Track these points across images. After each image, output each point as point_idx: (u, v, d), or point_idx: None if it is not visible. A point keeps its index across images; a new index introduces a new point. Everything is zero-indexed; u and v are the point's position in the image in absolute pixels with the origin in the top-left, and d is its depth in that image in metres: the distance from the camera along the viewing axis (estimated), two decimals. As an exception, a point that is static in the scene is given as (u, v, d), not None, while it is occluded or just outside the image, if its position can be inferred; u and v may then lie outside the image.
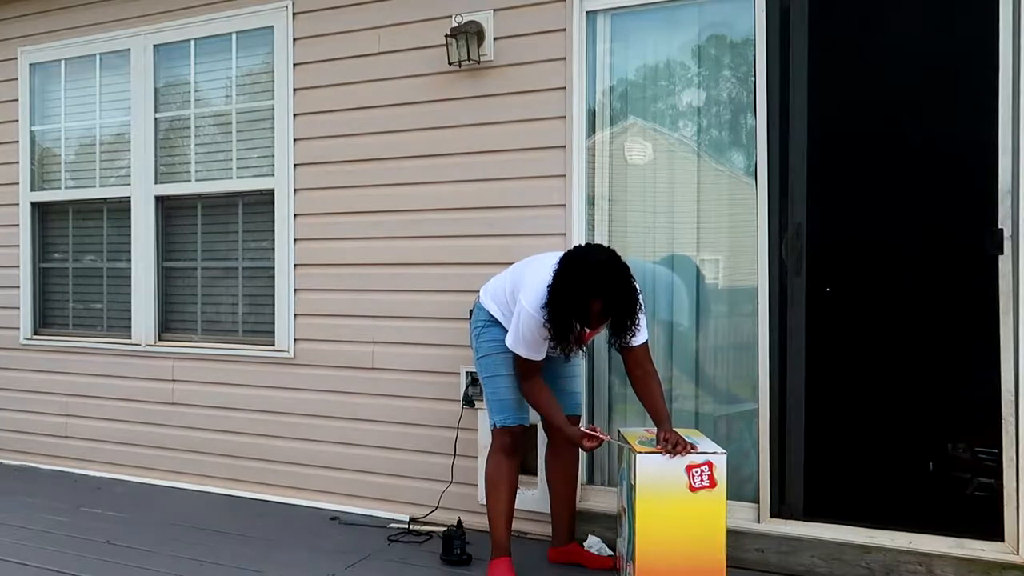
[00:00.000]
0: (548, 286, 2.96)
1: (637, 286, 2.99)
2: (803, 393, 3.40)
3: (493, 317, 3.30)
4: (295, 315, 4.42)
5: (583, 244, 3.18)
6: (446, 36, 3.90)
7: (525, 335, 3.07)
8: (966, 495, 3.20)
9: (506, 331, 3.21)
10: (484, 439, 3.84)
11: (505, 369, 3.26)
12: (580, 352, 3.20)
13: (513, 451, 3.33)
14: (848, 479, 3.22)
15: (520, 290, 3.12)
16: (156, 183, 4.86)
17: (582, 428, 3.16)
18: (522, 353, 3.12)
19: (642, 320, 3.08)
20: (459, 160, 3.99)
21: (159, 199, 4.86)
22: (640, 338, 3.14)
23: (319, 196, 4.36)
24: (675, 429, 3.11)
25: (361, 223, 4.23)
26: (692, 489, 2.94)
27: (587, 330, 3.05)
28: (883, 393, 3.29)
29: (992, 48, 3.11)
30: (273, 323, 4.50)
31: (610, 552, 3.53)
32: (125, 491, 4.70)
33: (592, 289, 2.87)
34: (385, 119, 4.16)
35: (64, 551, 3.70)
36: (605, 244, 3.79)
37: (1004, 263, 3.11)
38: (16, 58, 5.27)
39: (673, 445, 2.98)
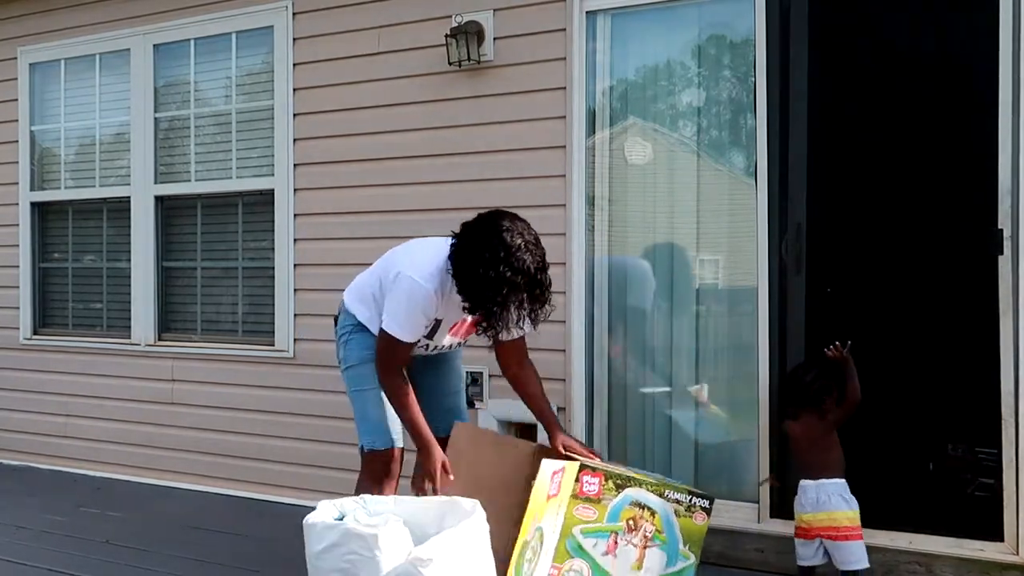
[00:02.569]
0: (464, 251, 2.60)
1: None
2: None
3: (360, 322, 2.91)
4: (295, 315, 4.41)
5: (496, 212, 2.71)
6: (446, 36, 3.90)
7: (406, 307, 2.66)
8: (966, 495, 3.20)
9: (375, 337, 2.81)
10: (484, 439, 3.85)
11: (374, 382, 2.81)
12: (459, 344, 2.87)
13: (384, 480, 2.84)
14: (848, 479, 3.21)
15: (396, 270, 2.73)
16: (156, 183, 4.85)
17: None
18: (395, 332, 2.68)
19: None
20: (459, 160, 3.99)
21: (159, 199, 4.86)
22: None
23: (319, 196, 4.36)
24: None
25: (361, 223, 4.23)
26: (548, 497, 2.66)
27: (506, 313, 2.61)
28: (883, 393, 3.28)
29: (992, 48, 3.10)
30: (273, 323, 4.49)
31: None
32: (125, 491, 4.70)
33: (539, 256, 2.57)
34: (385, 119, 4.16)
35: (64, 551, 3.70)
36: (604, 244, 3.81)
37: (1004, 264, 3.10)
38: (16, 58, 5.27)
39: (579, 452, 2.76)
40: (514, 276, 2.52)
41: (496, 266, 2.51)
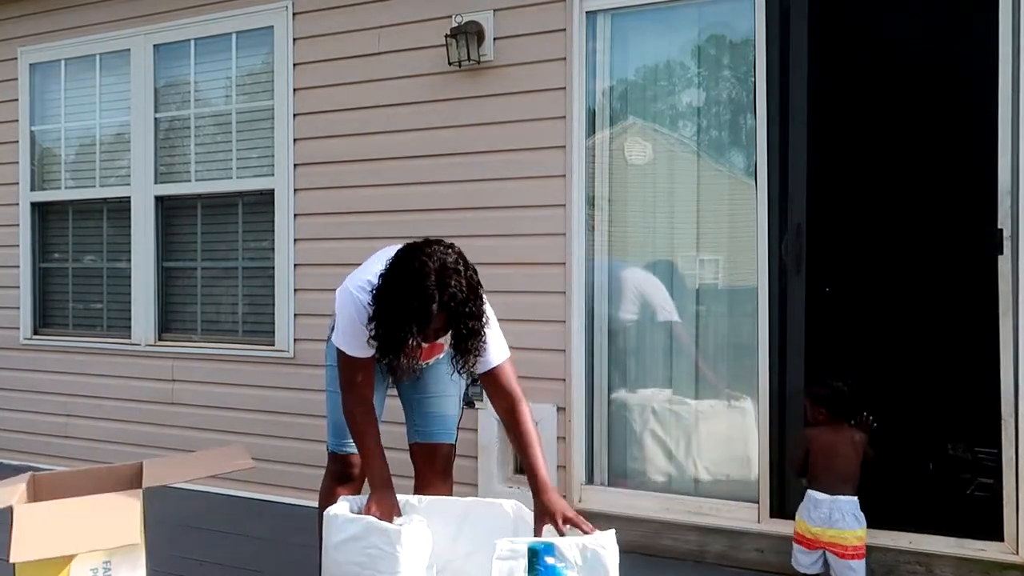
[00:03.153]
0: (380, 275, 2.37)
1: (484, 295, 2.40)
2: (803, 393, 3.39)
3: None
4: (295, 315, 4.42)
5: (427, 239, 2.43)
6: (446, 36, 3.90)
7: (342, 318, 2.55)
8: (966, 495, 3.20)
9: None
10: (484, 439, 3.85)
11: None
12: (414, 373, 2.58)
13: (343, 483, 2.73)
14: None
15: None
16: (156, 183, 4.85)
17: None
18: (340, 344, 2.54)
19: (493, 335, 2.46)
20: (459, 160, 3.99)
21: (159, 199, 4.86)
22: (499, 354, 2.51)
23: (319, 196, 4.36)
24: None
25: (361, 223, 4.23)
26: None
27: (423, 345, 2.41)
28: (883, 393, 3.28)
29: (992, 48, 3.11)
30: (273, 323, 4.49)
31: None
32: (125, 491, 4.70)
33: (431, 293, 2.24)
34: (385, 119, 4.16)
35: (64, 551, 3.69)
36: (605, 244, 3.81)
37: (1004, 263, 3.10)
38: (16, 58, 5.27)
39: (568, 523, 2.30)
40: (390, 319, 2.30)
41: (386, 309, 2.32)
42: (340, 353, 2.57)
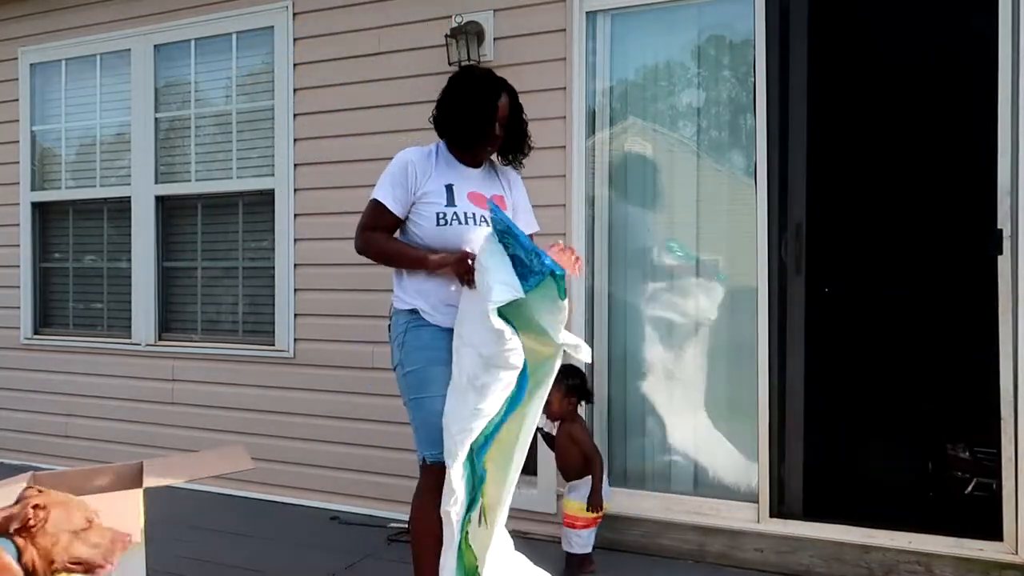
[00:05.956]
0: (440, 96, 2.81)
1: None
2: (802, 393, 3.40)
3: (408, 317, 2.73)
4: (295, 315, 4.42)
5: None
6: (446, 36, 3.90)
7: (387, 171, 2.78)
8: (965, 495, 3.21)
9: (440, 328, 2.65)
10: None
11: (440, 388, 2.56)
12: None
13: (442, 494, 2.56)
14: (847, 479, 3.22)
15: None
16: (156, 183, 4.86)
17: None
18: (377, 195, 2.73)
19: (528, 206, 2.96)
20: (459, 160, 3.98)
21: (159, 199, 4.86)
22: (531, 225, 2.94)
23: (319, 196, 4.36)
24: None
25: (361, 223, 4.22)
26: None
27: (497, 133, 2.77)
28: (882, 393, 3.29)
29: (992, 48, 3.11)
30: (273, 323, 4.50)
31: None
32: (125, 491, 4.70)
33: (495, 85, 2.74)
34: (385, 119, 4.16)
35: (64, 551, 3.69)
36: (605, 244, 3.82)
37: (1003, 263, 3.10)
38: (16, 58, 5.27)
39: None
40: (475, 101, 2.72)
41: (460, 96, 2.76)
42: (369, 205, 2.76)
